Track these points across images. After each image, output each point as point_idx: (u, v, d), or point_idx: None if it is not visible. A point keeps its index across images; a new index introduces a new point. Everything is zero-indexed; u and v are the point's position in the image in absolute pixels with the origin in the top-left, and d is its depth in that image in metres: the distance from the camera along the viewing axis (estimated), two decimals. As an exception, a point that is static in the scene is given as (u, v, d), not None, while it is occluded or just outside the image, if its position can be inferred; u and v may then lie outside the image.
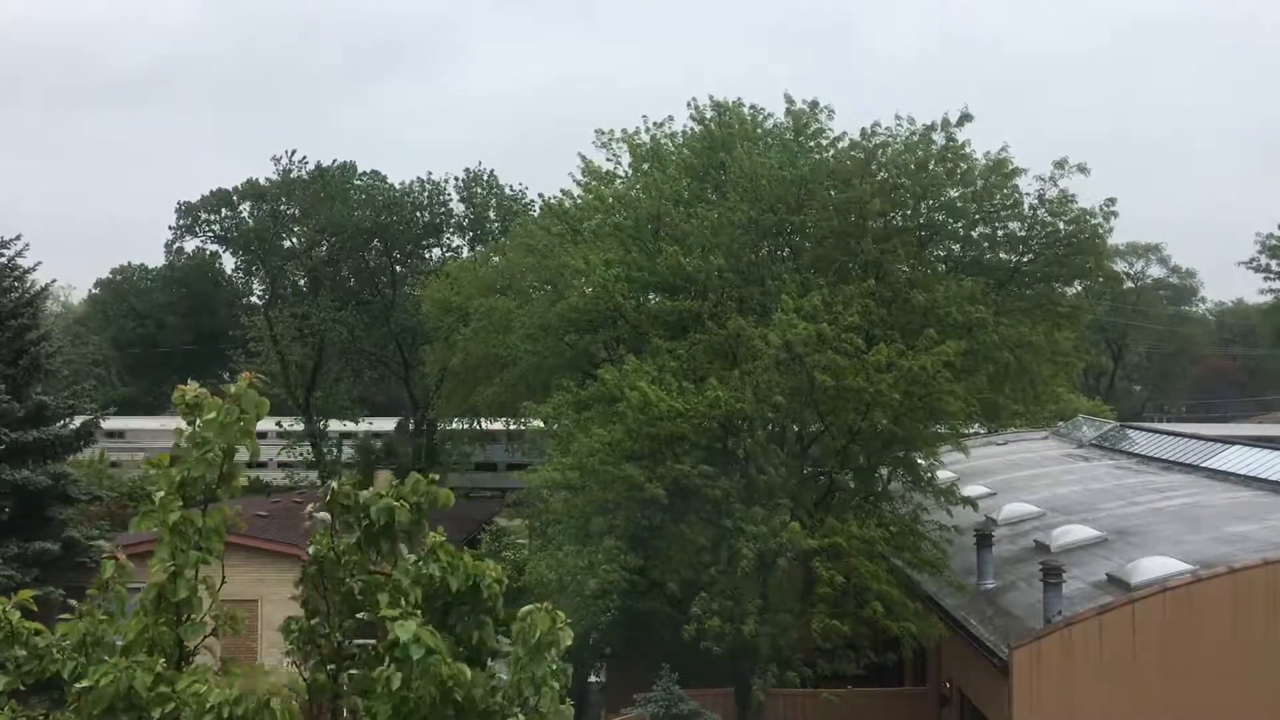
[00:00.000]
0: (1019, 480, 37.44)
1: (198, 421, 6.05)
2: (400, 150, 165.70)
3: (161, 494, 5.92)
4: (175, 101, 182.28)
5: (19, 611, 6.02)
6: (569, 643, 6.25)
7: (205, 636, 6.06)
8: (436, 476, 6.62)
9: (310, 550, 6.34)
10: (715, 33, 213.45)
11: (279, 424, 64.30)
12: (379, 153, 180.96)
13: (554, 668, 6.24)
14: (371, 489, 6.36)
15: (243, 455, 6.24)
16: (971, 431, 34.40)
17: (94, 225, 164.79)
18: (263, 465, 66.65)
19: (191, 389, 6.11)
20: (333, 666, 6.26)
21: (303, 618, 6.38)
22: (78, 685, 5.65)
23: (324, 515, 6.37)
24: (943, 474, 29.92)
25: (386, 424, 68.62)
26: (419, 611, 5.98)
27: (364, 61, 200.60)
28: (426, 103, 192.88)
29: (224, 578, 6.10)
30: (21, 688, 5.98)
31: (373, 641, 6.19)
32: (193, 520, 5.93)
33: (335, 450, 64.06)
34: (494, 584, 6.31)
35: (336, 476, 6.63)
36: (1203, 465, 33.39)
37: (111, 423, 68.34)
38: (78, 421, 32.81)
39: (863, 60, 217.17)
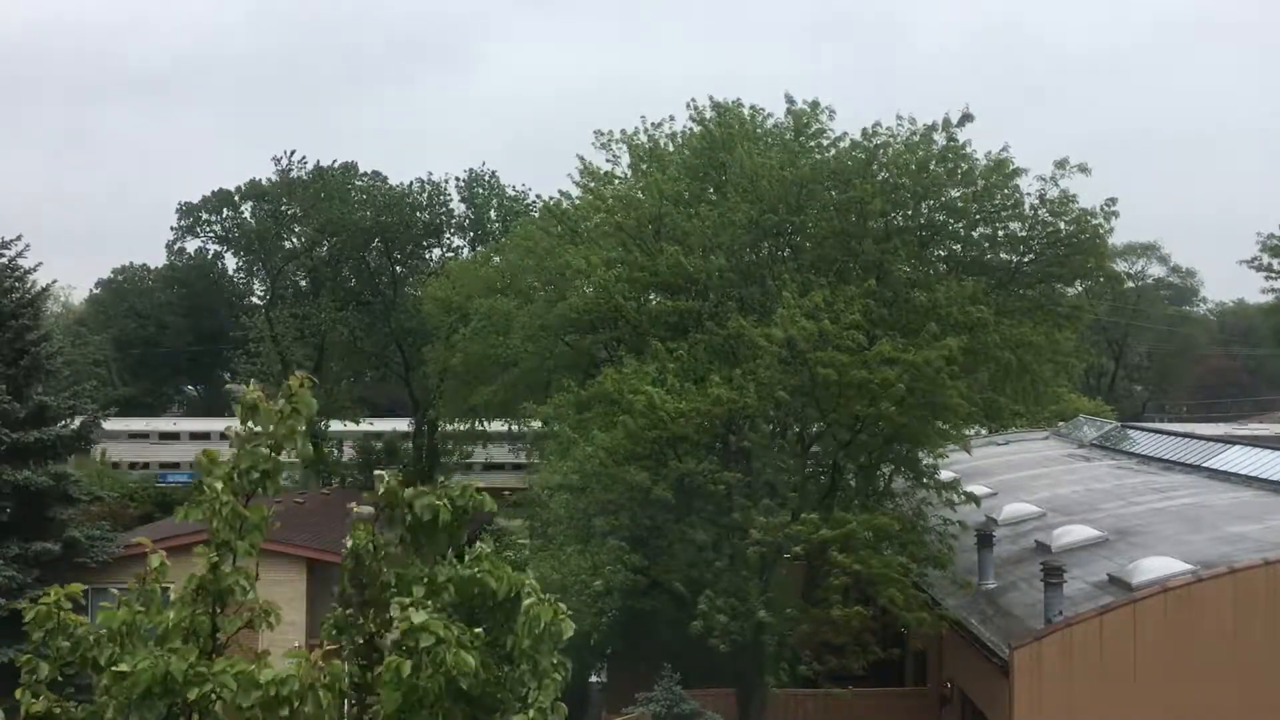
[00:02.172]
0: (1020, 480, 37.45)
1: (250, 420, 6.22)
2: (408, 151, 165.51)
3: (219, 485, 6.06)
4: (176, 101, 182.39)
5: (69, 603, 6.14)
6: (569, 634, 6.36)
7: (241, 628, 6.17)
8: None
9: (349, 544, 6.45)
10: (745, 31, 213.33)
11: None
12: (385, 153, 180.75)
13: (555, 661, 6.37)
14: (414, 488, 6.53)
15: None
16: (972, 432, 34.42)
17: (95, 225, 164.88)
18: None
19: (253, 390, 6.28)
20: (364, 661, 6.37)
21: (339, 609, 6.49)
22: (115, 669, 5.73)
23: (365, 510, 6.51)
24: (944, 474, 29.94)
25: (387, 424, 68.68)
26: (445, 608, 6.11)
27: (372, 61, 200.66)
28: (436, 103, 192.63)
29: (257, 572, 6.20)
30: (59, 678, 6.09)
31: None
32: (239, 513, 6.05)
33: (336, 450, 64.08)
34: (533, 592, 6.47)
35: (381, 475, 6.78)
36: (1204, 465, 33.40)
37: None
38: (78, 422, 32.81)
39: (874, 59, 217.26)
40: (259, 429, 6.20)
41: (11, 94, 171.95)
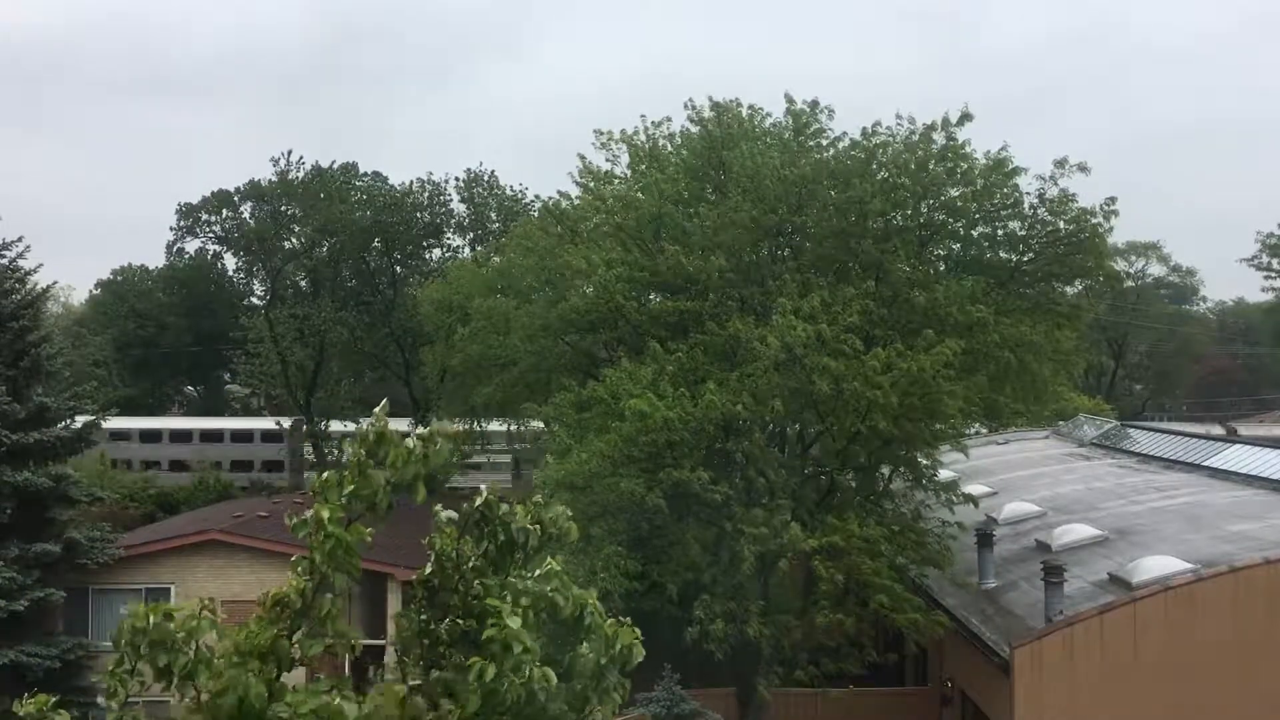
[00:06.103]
0: (1020, 480, 37.47)
1: (373, 451, 6.15)
2: (430, 152, 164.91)
3: (329, 511, 6.03)
4: (178, 101, 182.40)
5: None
6: (641, 659, 6.48)
7: (320, 653, 6.13)
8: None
9: (436, 547, 6.40)
10: (807, 29, 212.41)
11: (279, 424, 64.42)
12: (398, 155, 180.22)
13: (616, 680, 6.50)
14: (508, 506, 6.49)
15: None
16: (972, 431, 34.41)
17: (95, 225, 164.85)
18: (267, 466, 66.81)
19: (382, 417, 6.23)
20: (428, 666, 6.37)
21: (414, 612, 6.46)
22: (211, 689, 5.72)
23: (450, 513, 6.44)
24: (943, 474, 29.95)
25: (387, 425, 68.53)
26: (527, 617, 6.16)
27: (380, 62, 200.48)
28: (462, 105, 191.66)
29: (336, 594, 6.17)
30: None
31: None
32: (343, 540, 6.04)
33: (336, 451, 64.13)
34: (595, 612, 6.53)
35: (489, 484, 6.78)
36: (1204, 464, 33.41)
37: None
38: (79, 423, 32.81)
39: (939, 55, 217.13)
40: (382, 459, 6.13)
41: (11, 92, 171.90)
